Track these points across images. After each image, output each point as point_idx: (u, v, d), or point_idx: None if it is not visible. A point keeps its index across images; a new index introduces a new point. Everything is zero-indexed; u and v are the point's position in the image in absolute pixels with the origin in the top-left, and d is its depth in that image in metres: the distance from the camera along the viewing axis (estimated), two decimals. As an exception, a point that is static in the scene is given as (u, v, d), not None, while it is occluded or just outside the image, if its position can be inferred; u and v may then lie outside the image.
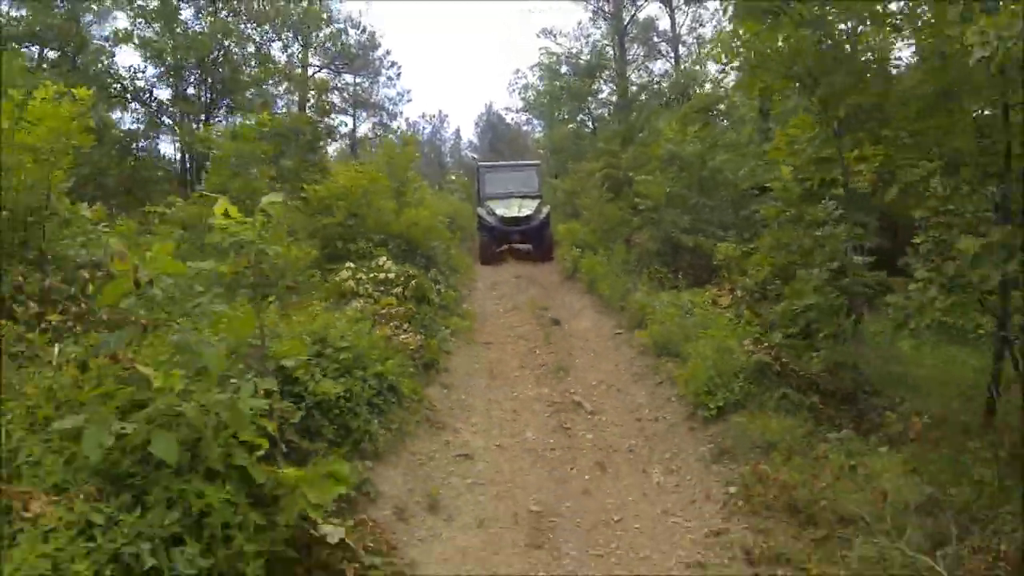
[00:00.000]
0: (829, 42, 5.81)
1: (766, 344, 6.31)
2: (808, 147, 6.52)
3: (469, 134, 56.38)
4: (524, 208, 15.32)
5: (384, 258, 8.15)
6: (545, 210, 15.95)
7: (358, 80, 29.72)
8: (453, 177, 37.13)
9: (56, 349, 4.32)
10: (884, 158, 6.02)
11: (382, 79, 31.01)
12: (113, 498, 2.79)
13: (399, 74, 31.81)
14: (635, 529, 4.11)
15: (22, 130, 6.54)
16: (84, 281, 5.75)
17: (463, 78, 79.18)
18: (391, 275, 7.71)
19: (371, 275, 7.66)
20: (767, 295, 7.96)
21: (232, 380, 3.34)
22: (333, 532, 3.18)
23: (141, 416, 2.95)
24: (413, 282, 7.69)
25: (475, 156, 47.46)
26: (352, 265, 7.75)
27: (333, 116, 23.17)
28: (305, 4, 18.94)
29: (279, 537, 3.05)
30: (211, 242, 3.96)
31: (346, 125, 27.81)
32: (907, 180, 5.45)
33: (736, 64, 5.59)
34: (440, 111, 59.35)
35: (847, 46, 5.91)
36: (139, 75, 17.14)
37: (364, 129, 30.65)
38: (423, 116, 44.55)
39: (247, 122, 8.39)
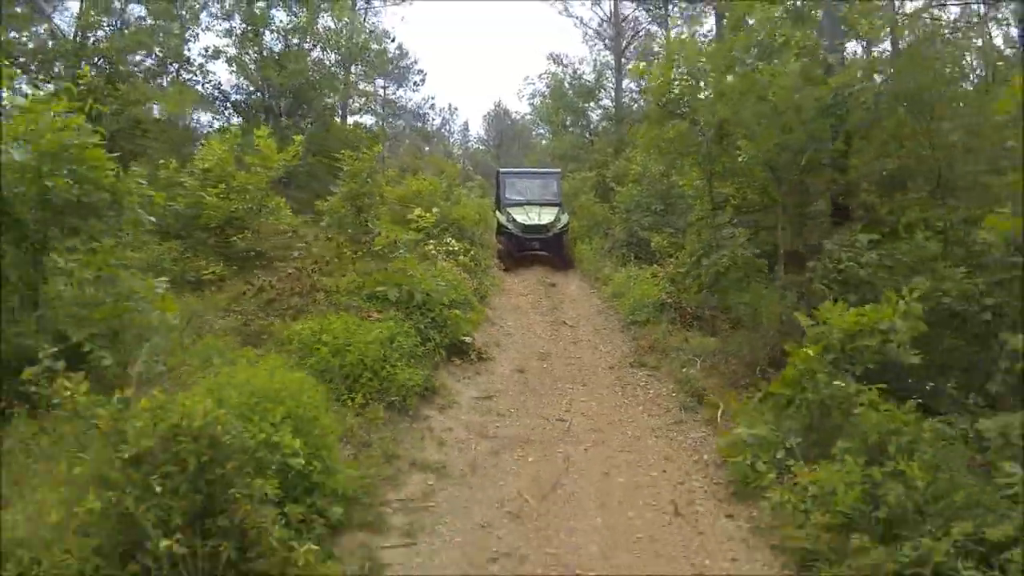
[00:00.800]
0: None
1: (671, 293, 11.47)
2: (700, 184, 11.71)
3: (477, 127, 59.98)
4: (544, 216, 15.84)
5: (450, 237, 13.27)
6: (564, 218, 16.30)
7: (386, 84, 34.61)
8: (460, 166, 41.46)
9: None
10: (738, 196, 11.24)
11: (409, 84, 35.83)
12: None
13: (423, 80, 36.38)
14: (587, 358, 9.37)
15: (250, 154, 11.76)
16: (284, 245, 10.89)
17: (473, 70, 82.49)
18: (455, 248, 12.83)
19: (443, 248, 12.76)
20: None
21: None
22: (470, 339, 8.37)
23: (406, 283, 8.12)
24: (472, 252, 12.86)
25: (482, 147, 51.68)
26: (433, 241, 12.87)
27: (378, 123, 28.19)
28: (364, 37, 23.77)
29: (448, 338, 8.22)
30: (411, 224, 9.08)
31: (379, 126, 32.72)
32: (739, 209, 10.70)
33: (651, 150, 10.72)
34: (450, 104, 63.57)
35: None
36: (239, 91, 22.06)
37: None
38: (432, 108, 46.26)
39: (366, 150, 13.42)
